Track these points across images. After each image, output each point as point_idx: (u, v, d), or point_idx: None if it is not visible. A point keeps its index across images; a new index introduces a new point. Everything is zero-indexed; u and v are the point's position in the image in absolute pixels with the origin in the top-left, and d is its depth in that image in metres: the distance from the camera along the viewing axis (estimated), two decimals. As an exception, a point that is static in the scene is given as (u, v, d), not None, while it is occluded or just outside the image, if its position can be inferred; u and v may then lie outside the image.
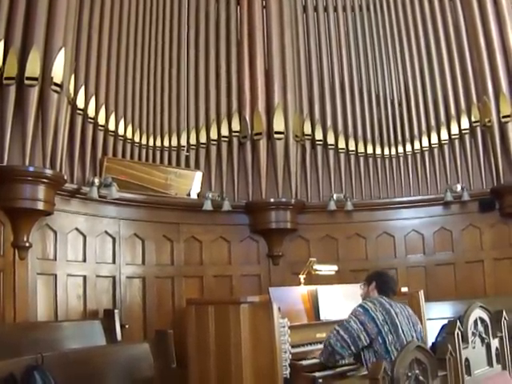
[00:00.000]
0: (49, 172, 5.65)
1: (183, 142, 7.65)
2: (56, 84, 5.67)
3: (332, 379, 4.73)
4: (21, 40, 5.58)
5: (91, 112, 6.52)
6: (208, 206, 7.42)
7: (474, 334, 3.89)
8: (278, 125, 7.92)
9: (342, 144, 8.17)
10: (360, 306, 4.24)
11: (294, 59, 8.32)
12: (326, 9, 8.69)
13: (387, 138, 8.29)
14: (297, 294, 5.44)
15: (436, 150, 8.06)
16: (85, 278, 6.36)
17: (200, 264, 7.54)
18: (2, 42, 5.45)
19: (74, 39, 6.26)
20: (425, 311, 5.59)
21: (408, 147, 8.17)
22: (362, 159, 8.20)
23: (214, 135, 7.87)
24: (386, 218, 8.13)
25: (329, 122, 8.25)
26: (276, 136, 7.90)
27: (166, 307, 7.09)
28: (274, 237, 7.94)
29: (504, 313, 4.26)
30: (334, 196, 7.94)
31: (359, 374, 4.82)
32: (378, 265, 7.25)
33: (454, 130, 7.98)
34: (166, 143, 7.50)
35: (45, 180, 5.59)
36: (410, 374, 3.19)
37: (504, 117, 7.61)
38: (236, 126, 7.99)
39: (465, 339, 3.73)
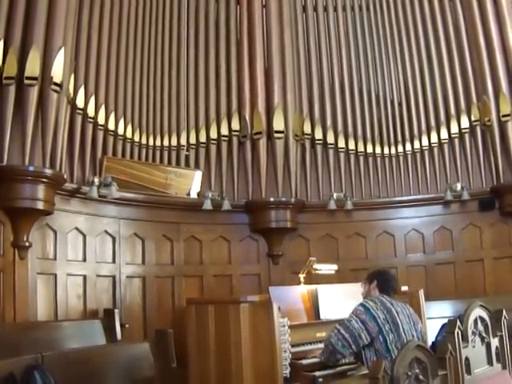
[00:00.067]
0: (48, 172, 5.65)
1: (183, 141, 7.65)
2: (56, 84, 5.67)
3: (332, 378, 4.74)
4: (20, 39, 5.58)
5: (91, 111, 6.51)
6: (208, 205, 7.42)
7: (474, 333, 3.89)
8: (278, 124, 7.92)
9: (341, 143, 8.17)
10: (361, 304, 4.24)
11: (293, 59, 8.32)
12: (325, 8, 8.69)
13: (387, 137, 8.29)
14: (297, 294, 5.44)
15: (436, 150, 8.06)
16: (85, 277, 6.36)
17: (200, 263, 7.54)
18: (2, 41, 5.45)
19: (74, 39, 6.26)
20: (425, 310, 5.58)
21: (408, 146, 8.17)
22: (361, 158, 8.20)
23: (213, 135, 7.87)
24: (386, 217, 8.13)
25: (328, 122, 8.26)
26: (276, 135, 7.90)
27: (166, 307, 7.09)
28: (273, 236, 7.94)
29: (504, 312, 4.26)
30: (334, 195, 7.95)
31: (359, 373, 4.83)
32: (378, 264, 7.24)
33: (454, 129, 7.98)
34: (166, 143, 7.50)
35: (44, 180, 5.59)
36: (410, 373, 3.19)
37: (504, 116, 7.61)
38: (236, 125, 7.99)
39: (465, 338, 3.73)
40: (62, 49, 5.76)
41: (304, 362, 4.80)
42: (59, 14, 5.81)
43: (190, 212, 7.47)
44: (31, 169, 5.53)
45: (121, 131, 6.96)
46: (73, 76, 6.18)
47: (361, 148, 8.21)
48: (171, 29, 7.87)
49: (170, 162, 7.52)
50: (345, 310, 5.01)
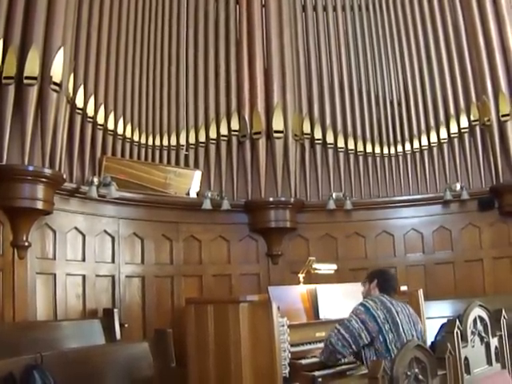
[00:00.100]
0: (48, 171, 5.64)
1: (182, 141, 7.65)
2: (55, 83, 5.66)
3: (331, 378, 4.74)
4: (20, 39, 5.57)
5: (90, 111, 6.51)
6: (207, 205, 7.42)
7: (473, 332, 3.88)
8: (277, 124, 7.92)
9: (341, 143, 8.18)
10: (361, 304, 4.23)
11: (293, 58, 8.32)
12: (325, 8, 8.69)
13: (386, 137, 8.30)
14: (296, 293, 5.44)
15: (435, 149, 8.07)
16: (84, 277, 6.35)
17: (199, 263, 7.54)
18: (1, 40, 5.44)
19: (73, 38, 6.26)
20: (424, 310, 5.59)
21: (407, 146, 8.18)
22: (361, 158, 8.21)
23: (213, 134, 7.87)
24: (386, 217, 8.13)
25: (328, 121, 8.26)
26: (275, 135, 7.90)
27: (166, 306, 7.09)
28: (273, 236, 7.94)
29: (503, 312, 4.26)
30: (334, 195, 7.95)
31: (358, 372, 4.84)
32: (378, 264, 7.25)
33: (454, 129, 7.98)
34: (166, 142, 7.50)
35: (44, 179, 5.58)
36: (409, 373, 3.19)
37: (503, 116, 7.61)
38: (235, 125, 7.98)
39: (464, 338, 3.73)
40: (62, 48, 5.75)
41: (303, 361, 4.80)
42: (58, 13, 5.81)
43: (189, 212, 7.47)
44: (30, 168, 5.52)
45: (120, 131, 6.95)
46: (72, 76, 6.18)
47: (360, 148, 8.22)
48: (171, 28, 7.87)
49: (169, 162, 7.52)
50: (344, 309, 5.00)
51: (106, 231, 6.69)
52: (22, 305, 5.57)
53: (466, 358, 3.66)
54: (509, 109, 7.58)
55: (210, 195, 7.48)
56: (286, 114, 8.02)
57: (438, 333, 3.98)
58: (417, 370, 3.24)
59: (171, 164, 7.53)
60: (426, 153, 8.08)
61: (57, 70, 5.69)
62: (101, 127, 6.68)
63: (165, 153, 7.49)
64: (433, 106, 8.17)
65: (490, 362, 3.99)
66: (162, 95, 7.61)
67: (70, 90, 6.14)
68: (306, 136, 8.18)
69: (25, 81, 5.50)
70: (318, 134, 8.18)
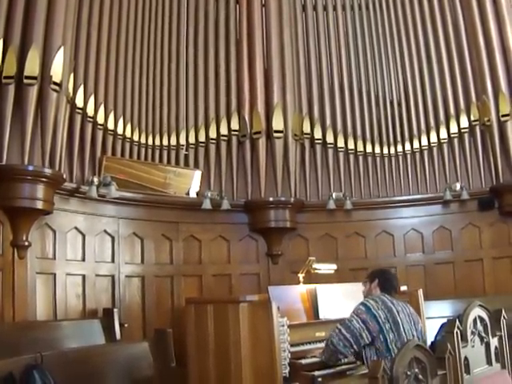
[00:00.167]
0: (48, 171, 5.64)
1: (182, 140, 7.65)
2: (55, 83, 5.66)
3: (331, 378, 4.74)
4: (20, 38, 5.57)
5: (90, 111, 6.51)
6: (207, 204, 7.42)
7: (473, 332, 3.89)
8: (277, 124, 7.92)
9: (341, 143, 8.18)
10: (362, 304, 4.23)
11: (293, 58, 8.32)
12: (325, 8, 8.69)
13: (386, 136, 8.30)
14: (296, 293, 5.44)
15: (435, 149, 8.07)
16: (84, 277, 6.35)
17: (199, 263, 7.54)
18: (1, 40, 5.44)
19: (73, 38, 6.26)
20: (424, 310, 5.59)
21: (407, 146, 8.17)
22: (361, 158, 8.20)
23: (213, 134, 7.87)
24: (386, 217, 8.13)
25: (328, 121, 8.26)
26: (275, 135, 7.90)
27: (165, 306, 7.09)
28: (273, 236, 7.94)
29: (503, 312, 4.26)
30: (333, 195, 7.95)
31: (358, 372, 4.84)
32: (378, 264, 7.25)
33: (454, 129, 7.98)
34: (165, 142, 7.50)
35: (44, 179, 5.58)
36: (409, 373, 3.19)
37: (503, 116, 7.61)
38: (235, 125, 7.98)
39: (464, 338, 3.73)
40: (62, 48, 5.75)
41: (303, 361, 4.80)
42: (59, 13, 5.81)
43: (189, 211, 7.47)
44: (30, 168, 5.52)
45: (120, 131, 6.95)
46: (72, 75, 6.18)
47: (360, 148, 8.22)
48: (171, 28, 7.87)
49: (169, 162, 7.52)
50: (344, 309, 5.01)
51: (105, 231, 6.69)
52: (22, 304, 5.57)
53: (465, 358, 3.66)
54: (509, 109, 7.58)
55: (209, 195, 7.47)
56: (285, 114, 8.02)
57: (437, 333, 3.97)
58: (417, 370, 3.24)
59: (171, 164, 7.53)
60: (425, 153, 8.08)
61: (57, 70, 5.69)
62: (101, 127, 6.68)
63: (165, 152, 7.49)
64: (433, 105, 8.17)
65: (489, 362, 4.00)
66: (162, 95, 7.61)
67: (70, 90, 6.14)
68: (305, 136, 8.18)
69: (25, 80, 5.50)
70: (317, 134, 8.17)
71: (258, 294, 5.40)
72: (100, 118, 6.65)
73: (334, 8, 8.70)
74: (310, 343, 5.10)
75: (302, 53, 8.48)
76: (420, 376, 3.25)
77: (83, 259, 6.41)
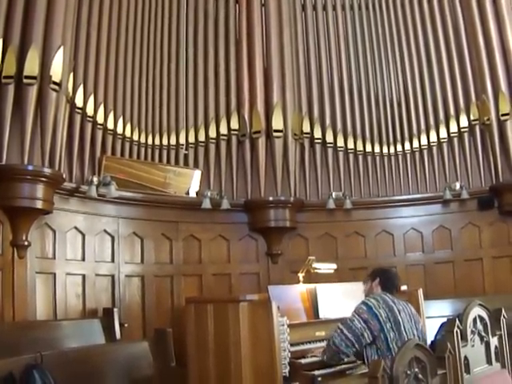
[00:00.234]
0: (47, 171, 5.64)
1: (182, 140, 7.65)
2: (55, 83, 5.66)
3: (331, 377, 4.74)
4: (19, 38, 5.57)
5: (90, 111, 6.51)
6: (207, 204, 7.42)
7: (473, 332, 3.89)
8: (277, 123, 7.92)
9: (340, 142, 8.18)
10: (363, 303, 4.22)
11: (292, 58, 8.32)
12: (324, 7, 8.70)
13: (386, 136, 8.30)
14: (296, 293, 5.43)
15: (435, 149, 8.07)
16: (84, 276, 6.35)
17: (199, 262, 7.54)
18: (1, 40, 5.44)
19: (73, 37, 6.26)
20: (424, 309, 5.59)
21: (407, 145, 8.18)
22: (360, 157, 8.21)
23: (212, 134, 7.87)
24: (385, 217, 8.14)
25: (327, 121, 8.26)
26: (275, 134, 7.90)
27: (165, 306, 7.09)
28: (272, 235, 7.94)
29: (503, 311, 4.26)
30: (333, 194, 7.95)
31: (358, 372, 4.84)
32: (377, 263, 7.22)
33: (453, 128, 7.99)
34: (165, 142, 7.50)
35: (43, 179, 5.58)
36: (409, 372, 3.19)
37: (503, 115, 7.62)
38: (235, 124, 7.98)
39: (464, 337, 3.73)
40: (61, 48, 5.75)
41: (303, 361, 4.80)
42: (58, 13, 5.81)
43: (188, 211, 7.47)
44: (30, 168, 5.51)
45: (120, 130, 6.95)
46: (72, 75, 6.18)
47: (360, 147, 8.22)
48: (170, 27, 7.87)
49: (168, 161, 7.52)
50: (344, 309, 5.01)
51: (105, 231, 6.69)
52: (22, 304, 5.57)
53: (465, 358, 3.66)
54: (508, 108, 7.58)
55: (209, 194, 7.47)
56: (285, 114, 8.01)
57: (437, 332, 3.98)
58: (417, 370, 3.25)
59: (171, 163, 7.53)
60: (425, 152, 8.09)
61: (56, 70, 5.69)
62: (100, 126, 6.68)
63: (164, 152, 7.49)
64: (432, 105, 8.17)
65: (489, 362, 4.00)
66: (162, 95, 7.61)
67: (70, 90, 6.14)
68: (305, 135, 8.18)
69: (24, 80, 5.50)
70: (317, 134, 8.18)
71: (258, 294, 5.40)
72: (100, 118, 6.65)
73: (334, 8, 8.70)
74: (309, 343, 5.10)
75: (302, 52, 8.48)
76: (420, 375, 3.25)
77: (83, 259, 6.41)
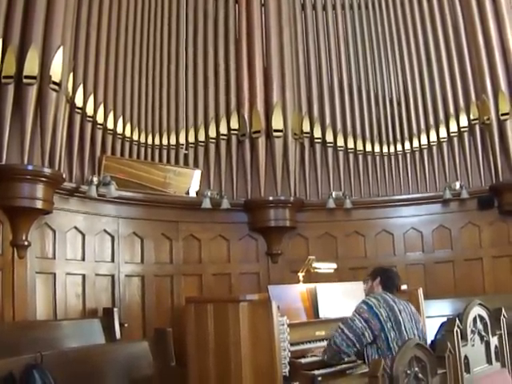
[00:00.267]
0: (47, 171, 5.64)
1: (182, 140, 7.65)
2: (54, 82, 5.66)
3: (331, 377, 4.74)
4: (19, 38, 5.57)
5: (90, 110, 6.51)
6: (207, 204, 7.42)
7: (473, 331, 3.89)
8: (277, 123, 7.92)
9: (340, 142, 8.18)
10: (364, 302, 4.22)
11: (292, 57, 8.31)
12: (324, 7, 8.70)
13: (386, 136, 8.30)
14: (296, 292, 5.43)
15: (435, 148, 8.07)
16: (84, 276, 6.35)
17: (199, 262, 7.54)
18: (0, 40, 5.44)
19: (73, 37, 6.25)
20: (424, 309, 5.59)
21: (407, 145, 8.18)
22: (360, 157, 8.21)
23: (212, 133, 7.87)
24: (385, 216, 8.14)
25: (327, 120, 8.26)
26: (275, 134, 7.90)
27: (165, 305, 7.09)
28: (272, 235, 7.94)
29: (503, 310, 4.27)
30: (333, 194, 7.95)
31: (358, 371, 4.84)
32: (377, 263, 7.20)
33: (453, 127, 7.98)
34: (165, 141, 7.50)
35: (43, 179, 5.58)
36: (409, 372, 3.19)
37: (503, 115, 7.61)
38: (235, 124, 7.98)
39: (464, 337, 3.73)
40: (61, 48, 5.75)
41: (303, 360, 4.80)
42: (58, 13, 5.80)
43: (188, 211, 7.47)
44: (30, 168, 5.51)
45: (119, 130, 6.95)
46: (71, 75, 6.18)
47: (360, 147, 8.22)
48: (170, 27, 7.87)
49: (168, 161, 7.52)
50: (344, 308, 5.02)
51: (105, 230, 6.69)
52: (22, 304, 5.57)
53: (465, 357, 3.66)
54: (508, 108, 7.58)
55: (209, 194, 7.47)
56: (285, 113, 8.01)
57: (437, 331, 3.98)
58: (417, 369, 3.25)
59: (171, 163, 7.53)
60: (425, 152, 8.09)
61: (56, 70, 5.69)
62: (100, 126, 6.67)
63: (164, 152, 7.49)
64: (432, 105, 8.17)
65: (489, 361, 4.00)
66: (162, 94, 7.61)
67: (70, 90, 6.14)
68: (305, 135, 8.18)
69: (24, 80, 5.50)
70: (317, 133, 8.18)
71: (258, 294, 5.40)
72: (99, 118, 6.65)
73: (334, 7, 8.70)
74: (309, 342, 5.10)
75: (302, 52, 8.48)
76: (420, 375, 3.25)
77: (83, 259, 6.41)
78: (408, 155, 8.17)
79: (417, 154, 8.12)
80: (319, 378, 4.63)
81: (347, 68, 8.53)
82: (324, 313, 5.37)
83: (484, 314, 4.04)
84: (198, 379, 5.06)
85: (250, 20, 8.26)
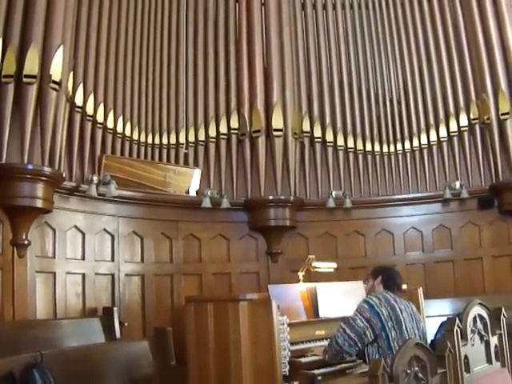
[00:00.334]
0: (47, 170, 5.64)
1: (182, 139, 7.65)
2: (54, 82, 5.66)
3: (331, 376, 4.73)
4: (19, 38, 5.57)
5: (90, 110, 6.51)
6: (207, 203, 7.41)
7: (473, 331, 3.88)
8: (277, 122, 7.92)
9: (340, 141, 8.17)
10: (365, 301, 4.21)
11: (292, 57, 8.31)
12: (324, 7, 8.69)
13: (386, 135, 8.30)
14: (296, 292, 5.43)
15: (435, 148, 8.07)
16: (84, 275, 6.35)
17: (199, 261, 7.54)
18: (1, 39, 5.44)
19: (73, 37, 6.26)
20: (424, 308, 5.59)
21: (407, 144, 8.18)
22: (360, 156, 8.20)
23: (212, 133, 7.87)
24: (385, 216, 8.14)
25: (328, 120, 8.26)
26: (275, 133, 7.90)
27: (165, 305, 7.09)
28: (272, 234, 7.94)
29: (503, 310, 4.26)
30: (333, 193, 7.95)
31: (358, 371, 4.84)
32: (377, 262, 7.18)
33: (453, 127, 7.98)
34: (165, 141, 7.50)
35: (43, 178, 5.58)
36: (409, 371, 3.19)
37: (503, 114, 7.62)
38: (235, 123, 7.98)
39: (464, 336, 3.73)
40: (61, 47, 5.75)
41: (303, 360, 4.79)
42: (58, 12, 5.81)
43: (188, 210, 7.47)
44: (30, 167, 5.52)
45: (120, 129, 6.95)
46: (72, 74, 6.18)
47: (360, 146, 8.22)
48: (170, 27, 7.87)
49: (168, 160, 7.53)
50: (344, 307, 5.02)
51: (105, 230, 6.70)
52: (22, 303, 5.57)
53: (465, 357, 3.66)
54: (508, 107, 7.58)
55: (209, 193, 7.47)
56: (285, 113, 8.01)
57: (437, 331, 3.97)
58: (416, 369, 3.24)
59: (171, 162, 7.53)
60: (425, 151, 8.08)
61: (56, 69, 5.69)
62: (100, 126, 6.68)
63: (164, 151, 7.49)
64: (432, 104, 8.17)
65: (489, 361, 4.00)
66: (162, 94, 7.61)
67: (70, 89, 6.14)
68: (305, 134, 8.18)
69: (24, 79, 5.50)
70: (317, 133, 8.18)
71: (258, 293, 5.40)
72: (100, 117, 6.65)
73: (334, 7, 8.69)
74: (309, 341, 5.09)
75: (302, 51, 8.47)
76: (420, 374, 3.25)
77: (83, 258, 6.41)
78: (408, 154, 8.17)
79: (417, 154, 8.12)
80: (319, 378, 4.63)
81: (347, 67, 8.53)
82: (324, 312, 5.37)
83: (484, 313, 4.04)
84: (198, 378, 5.05)
85: (250, 19, 8.26)
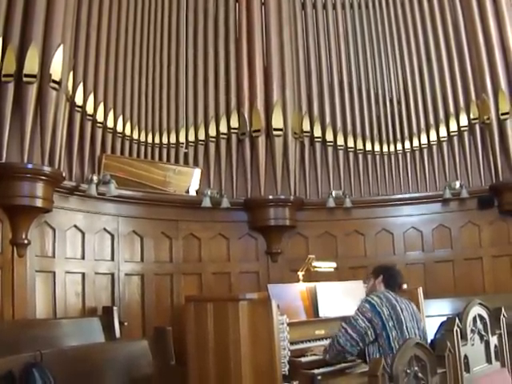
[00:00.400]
0: (47, 169, 5.64)
1: (182, 138, 7.65)
2: (54, 81, 5.66)
3: (331, 376, 4.73)
4: (19, 37, 5.56)
5: (90, 109, 6.50)
6: (207, 203, 7.41)
7: (472, 331, 3.89)
8: (277, 122, 7.91)
9: (340, 141, 8.17)
10: (366, 301, 4.21)
11: (292, 56, 8.31)
12: (324, 6, 8.69)
13: (386, 135, 8.30)
14: (296, 291, 5.43)
15: (435, 147, 8.07)
16: (83, 275, 6.35)
17: (199, 261, 7.54)
18: (0, 38, 5.43)
19: (73, 36, 6.25)
20: (424, 308, 5.58)
21: (407, 144, 8.18)
22: (360, 156, 8.20)
23: (212, 132, 7.86)
24: (385, 215, 8.13)
25: (327, 119, 8.25)
26: (275, 133, 7.90)
27: (165, 304, 7.09)
28: (272, 234, 7.94)
29: (503, 310, 4.27)
30: (333, 193, 7.94)
31: (358, 370, 4.83)
32: (377, 262, 7.12)
33: (453, 127, 7.98)
34: (165, 140, 7.50)
35: (43, 177, 5.58)
36: (408, 371, 3.19)
37: (503, 114, 7.62)
38: (235, 122, 7.97)
39: (464, 336, 3.73)
40: (61, 46, 5.75)
41: (303, 359, 4.79)
42: (58, 12, 5.80)
43: (188, 210, 7.47)
44: (30, 166, 5.51)
45: (120, 129, 6.95)
46: (72, 73, 6.18)
47: (360, 146, 8.21)
48: (170, 26, 7.87)
49: (168, 160, 7.52)
50: (344, 307, 5.02)
51: (105, 229, 6.69)
52: (22, 303, 5.57)
53: (465, 357, 3.66)
54: (508, 107, 7.58)
55: (209, 193, 7.46)
56: (285, 112, 8.01)
57: (437, 331, 3.97)
58: (416, 368, 3.25)
59: (171, 162, 7.53)
60: (425, 151, 8.08)
61: (56, 68, 5.69)
62: (100, 125, 6.67)
63: (164, 151, 7.49)
64: (432, 104, 8.17)
65: (489, 361, 4.00)
66: (162, 93, 7.61)
67: (70, 88, 6.14)
68: (305, 134, 8.18)
69: (24, 79, 5.50)
70: (317, 132, 8.17)
71: (258, 292, 5.39)
72: (99, 116, 6.65)
73: (334, 6, 8.69)
74: (309, 341, 5.09)
75: (302, 51, 8.47)
76: (420, 374, 3.25)
77: (83, 257, 6.41)
78: (408, 154, 8.17)
79: (417, 153, 8.12)
80: (319, 377, 4.63)
81: (347, 67, 8.53)
82: (324, 312, 5.37)
83: (484, 313, 4.04)
84: (198, 378, 5.05)
85: (250, 19, 8.25)
